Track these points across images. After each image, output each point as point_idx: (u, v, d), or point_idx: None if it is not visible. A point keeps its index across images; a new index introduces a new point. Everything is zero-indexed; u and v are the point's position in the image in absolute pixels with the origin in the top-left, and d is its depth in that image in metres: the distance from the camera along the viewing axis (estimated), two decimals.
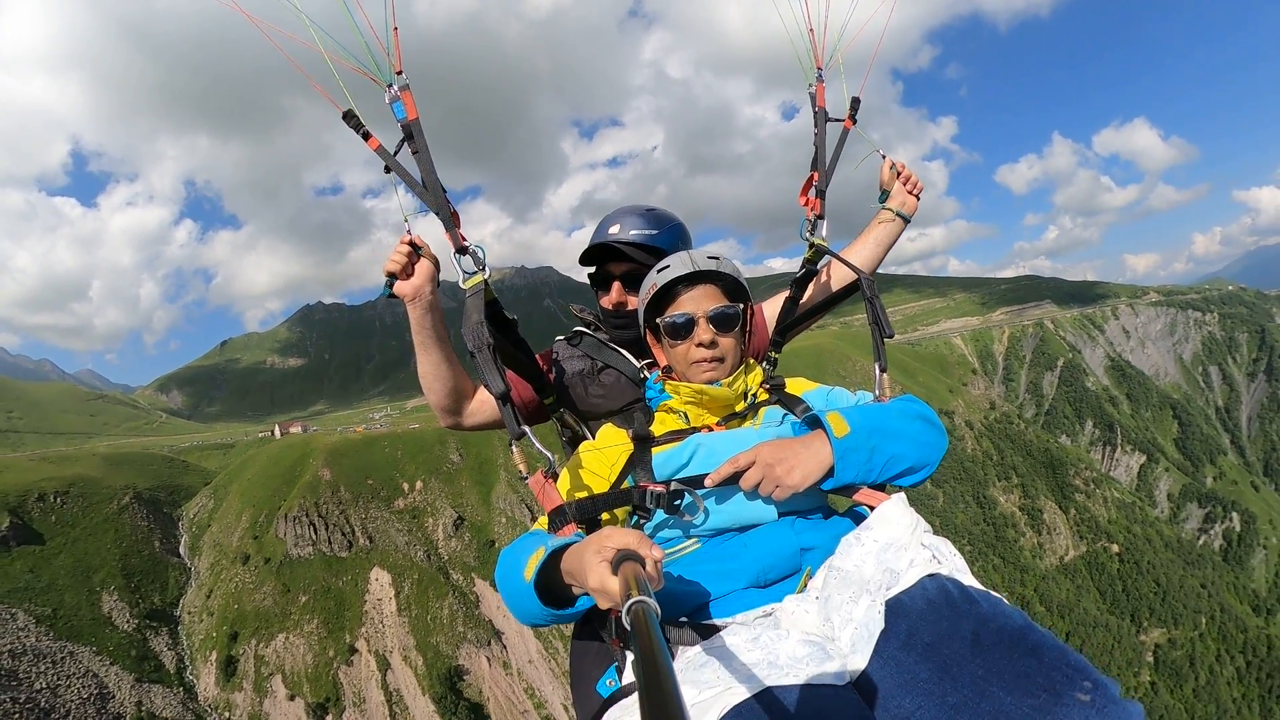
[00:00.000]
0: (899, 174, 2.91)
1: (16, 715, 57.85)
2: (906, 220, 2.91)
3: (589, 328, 2.85)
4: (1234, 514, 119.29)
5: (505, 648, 79.81)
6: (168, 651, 76.19)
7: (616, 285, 2.66)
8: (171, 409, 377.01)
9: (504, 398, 1.94)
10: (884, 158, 2.96)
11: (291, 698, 73.17)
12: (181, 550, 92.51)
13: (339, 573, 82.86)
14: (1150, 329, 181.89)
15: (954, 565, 1.52)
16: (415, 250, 2.29)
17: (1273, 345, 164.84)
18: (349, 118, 2.21)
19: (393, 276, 2.33)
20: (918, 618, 1.39)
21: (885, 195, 2.94)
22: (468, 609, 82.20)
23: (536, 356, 2.71)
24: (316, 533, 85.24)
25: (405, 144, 2.21)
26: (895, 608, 1.42)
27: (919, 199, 2.93)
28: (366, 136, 2.22)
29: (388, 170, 2.22)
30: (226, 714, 72.30)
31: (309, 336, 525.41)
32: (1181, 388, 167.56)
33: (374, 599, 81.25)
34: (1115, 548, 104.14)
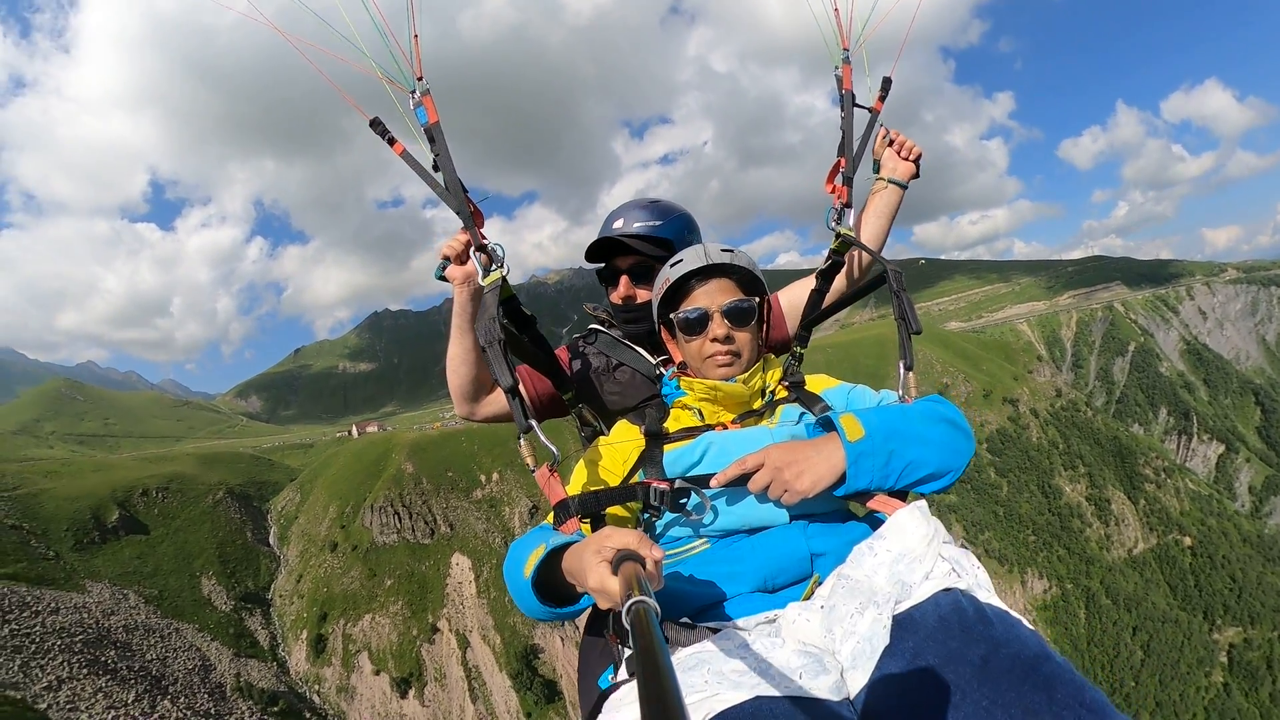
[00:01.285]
0: (891, 142, 2.84)
1: (132, 681, 61.67)
2: (903, 187, 2.83)
3: (603, 325, 2.81)
4: None
5: (578, 628, 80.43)
6: (261, 630, 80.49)
7: (624, 279, 2.65)
8: (250, 413, 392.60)
9: (512, 391, 1.92)
10: (880, 126, 2.90)
11: (377, 673, 76.40)
12: (271, 540, 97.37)
13: (422, 558, 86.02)
14: (1229, 309, 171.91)
15: (974, 580, 1.45)
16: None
17: None
18: (375, 125, 2.30)
19: (447, 260, 2.40)
20: (925, 636, 1.31)
21: (878, 165, 2.88)
22: None
23: (556, 353, 2.75)
24: (401, 521, 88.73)
25: (429, 146, 2.29)
26: (904, 623, 1.35)
27: (917, 164, 2.84)
28: (392, 142, 2.31)
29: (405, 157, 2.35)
30: (317, 686, 76.03)
31: (378, 342, 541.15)
32: (1265, 371, 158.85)
33: (455, 582, 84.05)
34: (1187, 540, 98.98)
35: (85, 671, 59.05)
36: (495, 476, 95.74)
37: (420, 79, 2.23)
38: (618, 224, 2.67)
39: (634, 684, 1.36)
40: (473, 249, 2.27)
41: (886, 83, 2.85)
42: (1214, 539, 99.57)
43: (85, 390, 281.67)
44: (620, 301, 2.66)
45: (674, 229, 2.64)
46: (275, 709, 67.12)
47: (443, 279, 2.43)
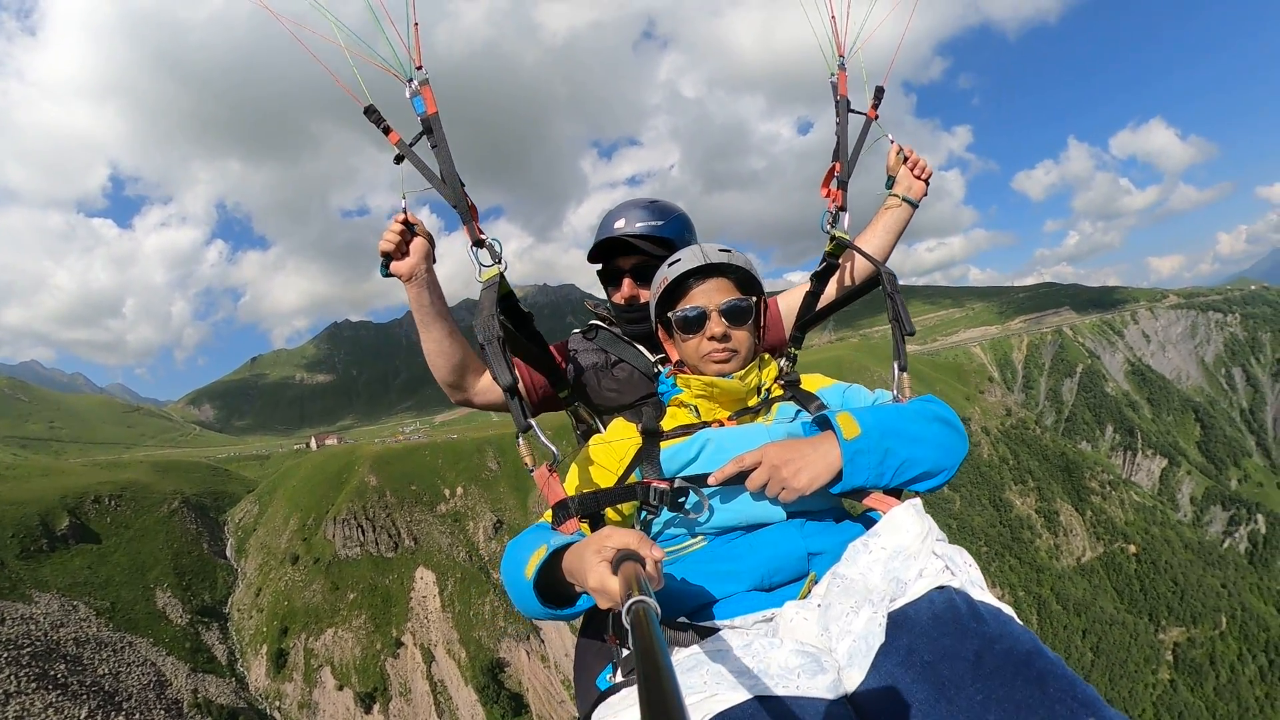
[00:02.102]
0: (905, 159, 2.83)
1: (84, 696, 59.67)
2: (914, 205, 2.82)
3: (604, 323, 2.77)
4: (1259, 516, 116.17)
5: (544, 642, 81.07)
6: (219, 645, 78.27)
7: (628, 280, 2.62)
8: (203, 422, 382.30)
9: (511, 390, 1.88)
10: (892, 143, 2.89)
11: (340, 688, 75.07)
12: (228, 553, 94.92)
13: (385, 572, 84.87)
14: (1171, 332, 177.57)
15: (967, 577, 1.45)
16: (409, 229, 2.26)
17: None
18: (370, 112, 2.21)
19: (388, 256, 2.31)
20: (920, 633, 1.33)
21: (892, 181, 2.86)
22: (508, 606, 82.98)
23: (552, 349, 2.72)
24: (364, 534, 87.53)
25: (425, 138, 2.22)
26: (899, 620, 1.37)
27: (928, 184, 2.84)
28: (387, 131, 2.22)
29: (398, 160, 2.23)
30: (277, 703, 74.14)
31: (337, 353, 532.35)
32: (1204, 390, 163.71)
33: (419, 596, 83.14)
34: (1132, 548, 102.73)
35: (34, 686, 57.21)
36: (459, 491, 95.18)
37: (420, 68, 2.18)
38: (619, 224, 2.64)
39: (632, 687, 1.37)
40: (470, 245, 2.20)
41: (879, 91, 2.84)
42: (1157, 546, 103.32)
43: (30, 390, 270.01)
44: (624, 302, 2.64)
45: (675, 229, 2.63)
46: None
47: (388, 276, 2.34)
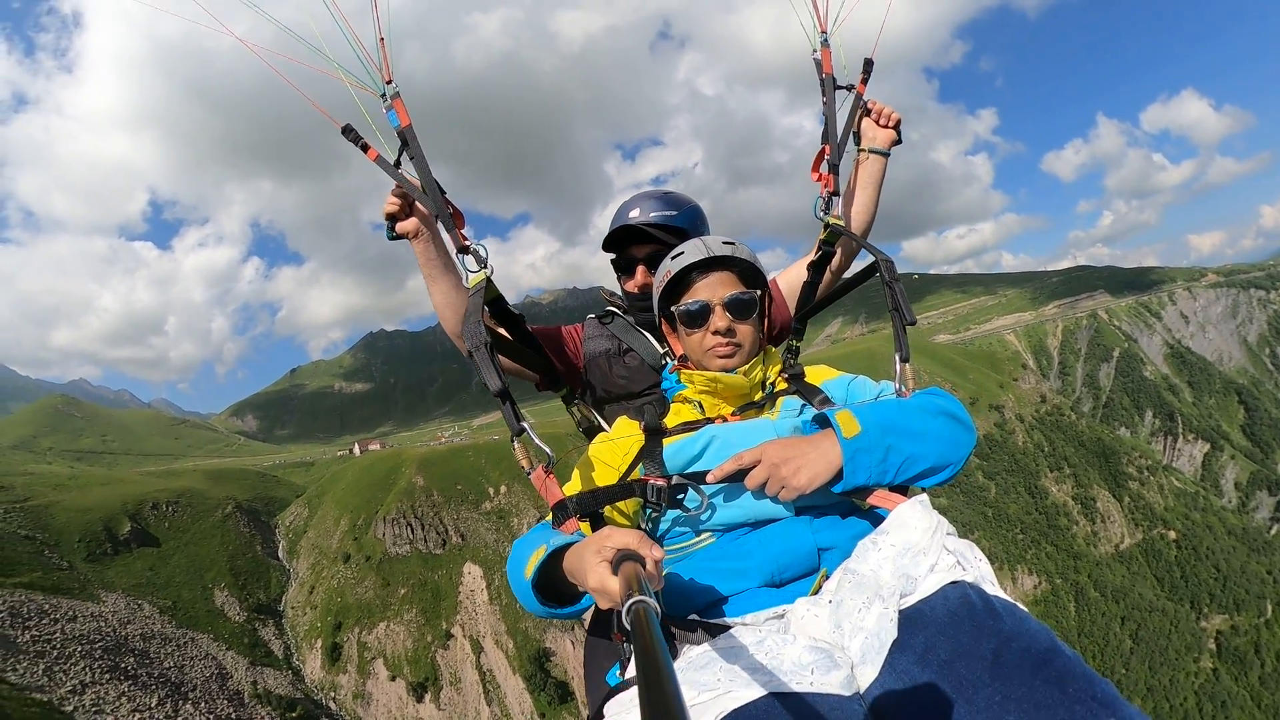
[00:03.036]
0: (868, 111, 2.80)
1: (153, 687, 61.48)
2: (885, 154, 2.77)
3: (619, 310, 2.78)
4: None
5: (585, 627, 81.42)
6: (275, 640, 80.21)
7: (641, 268, 2.64)
8: (246, 432, 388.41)
9: (503, 395, 1.84)
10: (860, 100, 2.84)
11: (393, 678, 76.41)
12: (280, 554, 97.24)
13: (434, 568, 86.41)
14: (1211, 312, 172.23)
15: (979, 572, 1.42)
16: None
17: None
18: (347, 132, 2.22)
19: (392, 219, 2.37)
20: (936, 631, 1.30)
21: (859, 138, 2.83)
22: None
23: (565, 330, 2.81)
24: (413, 532, 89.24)
25: (403, 150, 2.23)
26: (914, 617, 1.34)
27: (897, 130, 2.78)
28: (365, 148, 2.23)
29: (394, 162, 2.27)
30: (332, 694, 75.84)
31: (374, 362, 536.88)
32: (1248, 371, 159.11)
33: (467, 590, 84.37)
34: (1172, 534, 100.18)
35: (107, 677, 59.04)
36: (503, 489, 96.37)
37: (390, 82, 2.18)
38: (634, 213, 2.65)
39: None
40: (455, 251, 2.18)
41: (868, 64, 2.79)
42: (1198, 532, 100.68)
43: (81, 407, 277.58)
44: (637, 290, 2.65)
45: (687, 219, 2.63)
46: (294, 715, 66.88)
47: (395, 238, 2.40)
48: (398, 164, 2.23)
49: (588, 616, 2.00)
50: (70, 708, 53.05)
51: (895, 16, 2.65)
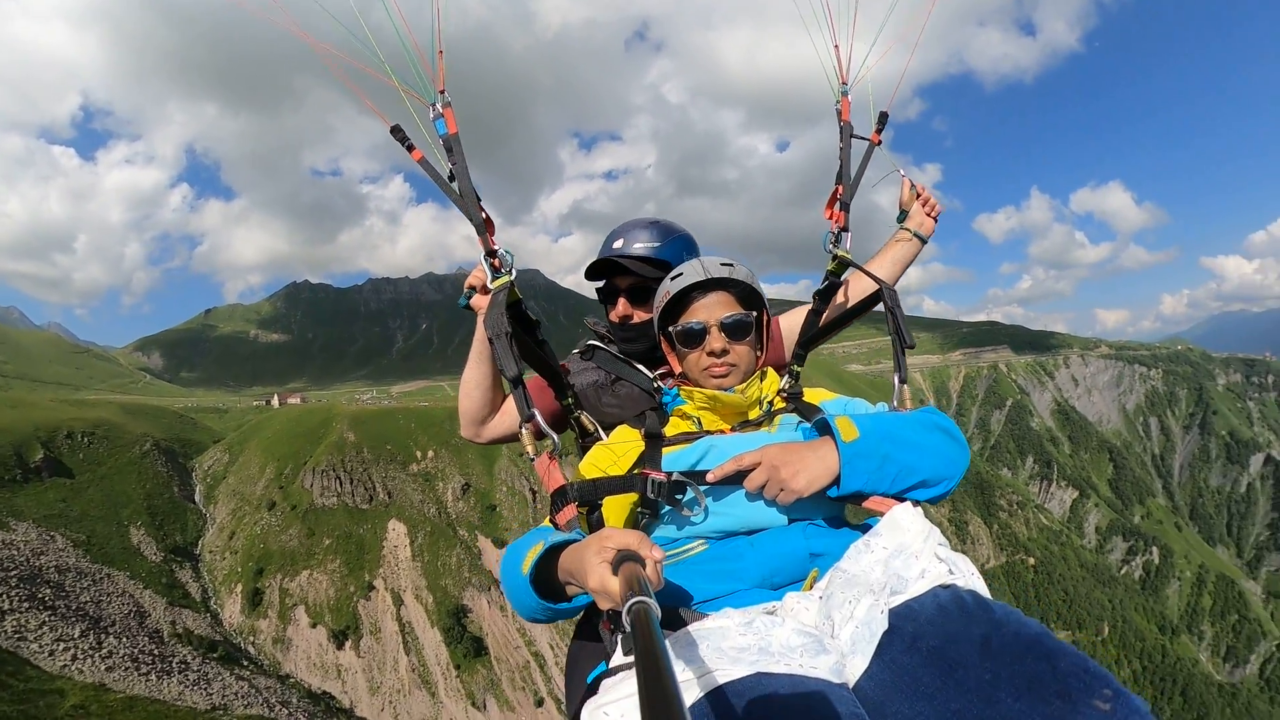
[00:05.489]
0: (918, 195, 2.79)
1: (72, 619, 59.43)
2: (924, 240, 2.78)
3: (601, 341, 2.72)
4: (1154, 549, 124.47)
5: (503, 593, 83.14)
6: (193, 583, 78.27)
7: (622, 300, 2.57)
8: (150, 370, 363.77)
9: (516, 381, 1.83)
10: (903, 177, 2.84)
11: (314, 625, 76.76)
12: (196, 498, 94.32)
13: (360, 522, 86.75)
14: (1098, 379, 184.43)
15: (970, 583, 1.36)
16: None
17: (1208, 402, 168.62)
18: (396, 132, 2.19)
19: (473, 290, 2.40)
20: (925, 621, 1.25)
21: (903, 215, 2.82)
22: (472, 559, 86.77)
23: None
24: (341, 485, 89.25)
25: (446, 156, 2.20)
26: (904, 613, 1.29)
27: (936, 221, 2.81)
28: (411, 149, 2.20)
29: (406, 146, 2.21)
30: (251, 638, 75.13)
31: (293, 313, 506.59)
32: (1122, 434, 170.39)
33: (391, 545, 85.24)
34: (1032, 561, 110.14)
35: (26, 605, 56.69)
36: (430, 453, 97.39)
37: (442, 92, 2.17)
38: (618, 244, 2.59)
39: (627, 672, 1.29)
40: (483, 255, 2.16)
41: (883, 117, 2.78)
42: (1055, 562, 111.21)
43: None
44: (618, 320, 2.59)
45: (673, 251, 2.56)
46: (215, 655, 65.72)
47: (467, 308, 2.43)
48: (452, 177, 2.18)
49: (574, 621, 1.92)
50: None
51: (881, 62, 2.71)
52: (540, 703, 77.87)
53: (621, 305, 2.57)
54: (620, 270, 2.52)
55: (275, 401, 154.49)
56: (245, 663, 69.05)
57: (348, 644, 75.82)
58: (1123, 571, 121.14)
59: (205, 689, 58.88)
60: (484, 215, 2.15)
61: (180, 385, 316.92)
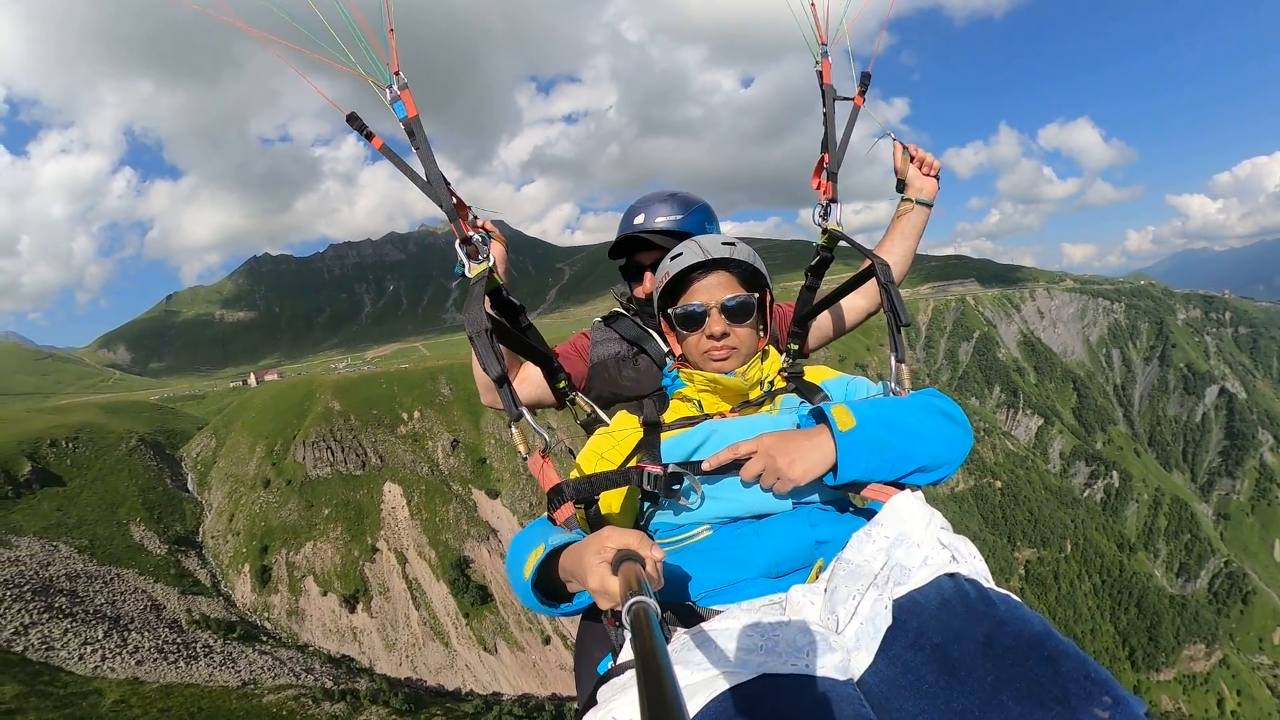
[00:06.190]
0: (912, 158, 2.63)
1: (93, 622, 60.85)
2: (929, 205, 2.66)
3: (626, 310, 2.66)
4: (1115, 473, 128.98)
5: (502, 541, 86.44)
6: (200, 570, 79.91)
7: (649, 275, 2.53)
8: (119, 365, 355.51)
9: (501, 380, 1.68)
10: (894, 141, 2.67)
11: (325, 593, 79.27)
12: (190, 486, 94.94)
13: (356, 488, 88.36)
14: (1063, 312, 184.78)
15: (973, 567, 1.33)
16: (486, 235, 2.07)
17: (1168, 336, 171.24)
18: (353, 119, 2.04)
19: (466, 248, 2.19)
20: (929, 616, 1.22)
21: (902, 184, 2.66)
22: (468, 512, 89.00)
23: (576, 338, 2.69)
24: (333, 455, 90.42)
25: (408, 141, 2.03)
26: (908, 605, 1.26)
27: (938, 179, 2.65)
28: (370, 137, 2.04)
29: (367, 137, 2.03)
30: (266, 614, 77.42)
31: (257, 289, 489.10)
32: (1085, 365, 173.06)
33: (389, 507, 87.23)
34: (999, 483, 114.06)
35: (46, 616, 57.96)
36: (416, 414, 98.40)
37: (398, 73, 1.98)
38: (639, 219, 2.53)
39: (632, 671, 1.27)
40: (457, 242, 1.97)
41: (865, 77, 2.59)
42: (1020, 485, 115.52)
43: None
44: (645, 297, 2.54)
45: (694, 222, 2.50)
46: (234, 635, 67.91)
47: (463, 277, 2.13)
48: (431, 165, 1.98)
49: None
50: (20, 648, 52.72)
51: (849, 23, 2.52)
52: (547, 640, 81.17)
53: (648, 280, 2.55)
54: (643, 246, 2.54)
55: (252, 380, 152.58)
56: (264, 638, 71.50)
57: (359, 607, 78.52)
58: (1085, 494, 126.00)
59: (233, 668, 61.26)
60: (454, 199, 2.02)
61: (151, 377, 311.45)
